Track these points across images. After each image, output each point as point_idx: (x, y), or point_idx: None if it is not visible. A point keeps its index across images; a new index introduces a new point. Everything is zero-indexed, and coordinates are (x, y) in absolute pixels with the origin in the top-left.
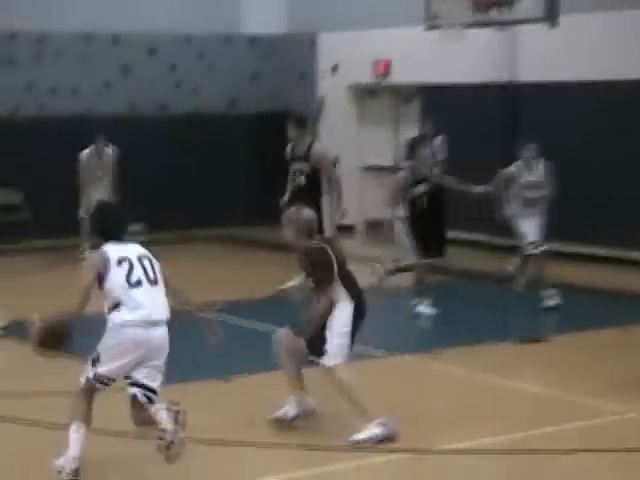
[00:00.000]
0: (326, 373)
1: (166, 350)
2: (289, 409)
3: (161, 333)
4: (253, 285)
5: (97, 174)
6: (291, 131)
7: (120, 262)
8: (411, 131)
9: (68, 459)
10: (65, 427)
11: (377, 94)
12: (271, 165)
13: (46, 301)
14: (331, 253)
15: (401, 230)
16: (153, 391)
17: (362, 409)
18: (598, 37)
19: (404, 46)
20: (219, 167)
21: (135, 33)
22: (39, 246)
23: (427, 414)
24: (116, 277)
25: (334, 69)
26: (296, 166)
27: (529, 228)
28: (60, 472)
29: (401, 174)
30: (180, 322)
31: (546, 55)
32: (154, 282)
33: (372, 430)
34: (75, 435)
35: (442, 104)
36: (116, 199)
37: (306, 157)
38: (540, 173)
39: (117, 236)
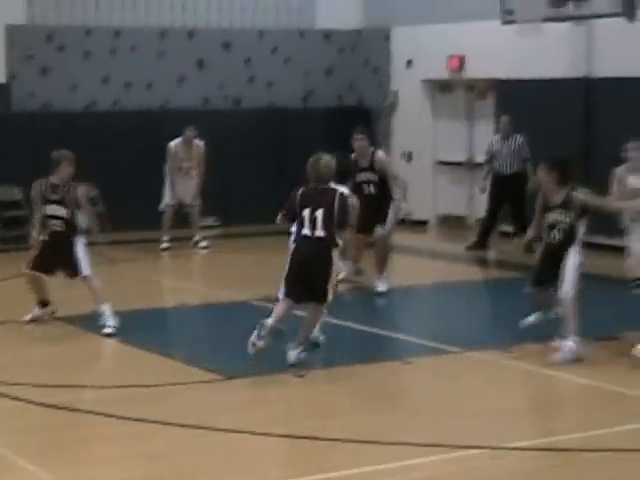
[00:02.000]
0: None
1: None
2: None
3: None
4: None
5: (184, 165)
6: (357, 142)
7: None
8: (485, 126)
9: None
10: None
11: (451, 89)
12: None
13: (124, 291)
14: (298, 197)
15: None
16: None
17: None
18: None
19: (479, 40)
20: (292, 161)
21: (210, 28)
22: (113, 239)
23: (501, 410)
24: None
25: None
26: (363, 176)
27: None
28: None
29: None
30: (254, 315)
31: (623, 50)
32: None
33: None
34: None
35: (517, 99)
36: (200, 193)
37: (371, 167)
38: None
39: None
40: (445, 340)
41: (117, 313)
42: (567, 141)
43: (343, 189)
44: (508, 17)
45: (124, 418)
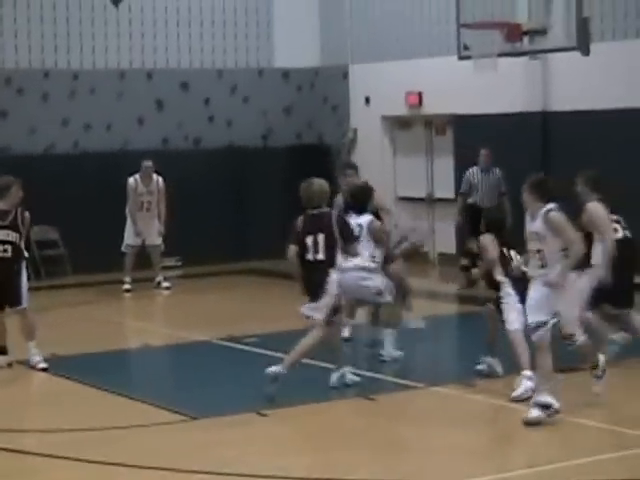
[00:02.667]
0: None
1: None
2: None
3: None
4: (288, 317)
5: (144, 200)
6: (349, 178)
7: None
8: (445, 161)
9: None
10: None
11: (410, 125)
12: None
13: (86, 333)
14: (299, 225)
15: None
16: None
17: None
18: (630, 65)
19: (436, 77)
20: (253, 200)
21: (169, 68)
22: (75, 282)
23: (462, 446)
24: None
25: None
26: None
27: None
28: None
29: None
30: (218, 356)
31: (579, 83)
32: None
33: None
34: None
35: (475, 134)
36: (164, 230)
37: None
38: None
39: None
40: (409, 376)
41: (80, 355)
42: (524, 176)
43: (367, 217)
44: (464, 53)
45: (86, 461)
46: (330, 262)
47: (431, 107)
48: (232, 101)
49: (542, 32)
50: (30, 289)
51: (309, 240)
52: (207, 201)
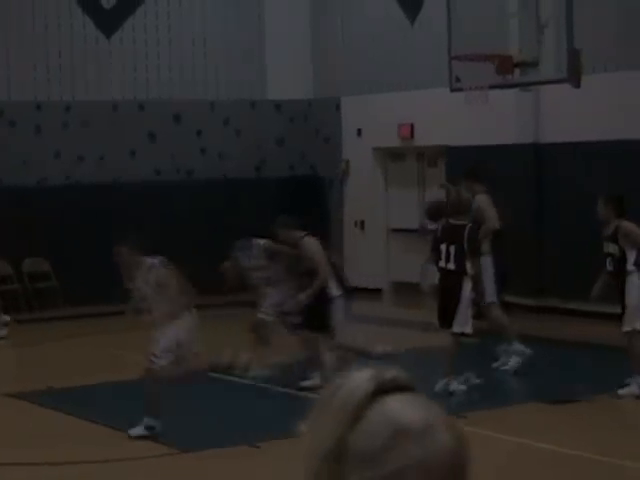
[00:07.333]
0: None
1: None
2: None
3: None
4: (280, 349)
5: None
6: None
7: None
8: (437, 193)
9: None
10: None
11: (402, 157)
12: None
13: (81, 366)
14: (438, 232)
15: None
16: None
17: None
18: (621, 97)
19: (428, 109)
20: (246, 232)
21: (160, 100)
22: (67, 314)
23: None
24: None
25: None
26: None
27: None
28: None
29: None
30: (210, 387)
31: (570, 115)
32: None
33: None
34: None
35: (467, 166)
36: None
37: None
38: None
39: None
40: None
41: (75, 388)
42: (516, 207)
43: None
44: (456, 85)
45: None
46: (462, 272)
47: (423, 139)
48: (225, 133)
49: (533, 64)
50: (22, 321)
51: (443, 247)
52: (199, 233)
